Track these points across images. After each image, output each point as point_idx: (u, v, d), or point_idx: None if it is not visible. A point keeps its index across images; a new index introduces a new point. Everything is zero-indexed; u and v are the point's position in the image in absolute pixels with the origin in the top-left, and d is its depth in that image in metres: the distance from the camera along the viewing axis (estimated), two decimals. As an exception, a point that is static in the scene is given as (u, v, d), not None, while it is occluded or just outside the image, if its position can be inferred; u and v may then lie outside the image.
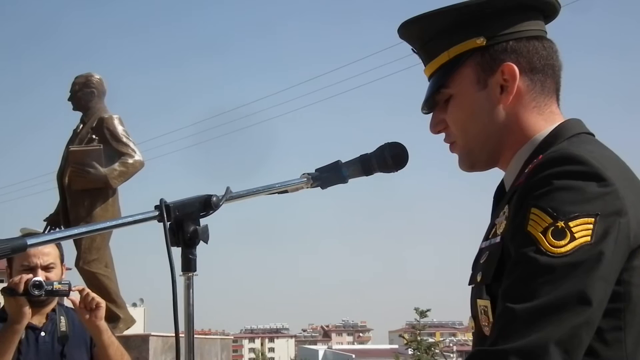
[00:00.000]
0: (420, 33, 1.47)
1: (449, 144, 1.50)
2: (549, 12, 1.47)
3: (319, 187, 1.62)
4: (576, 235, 1.17)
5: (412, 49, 1.52)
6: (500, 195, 1.45)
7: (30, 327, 2.88)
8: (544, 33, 1.45)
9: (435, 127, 1.49)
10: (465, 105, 1.43)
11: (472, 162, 1.48)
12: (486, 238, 1.40)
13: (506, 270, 1.22)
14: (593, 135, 1.40)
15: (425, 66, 1.50)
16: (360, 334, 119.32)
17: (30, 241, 1.27)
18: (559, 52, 1.45)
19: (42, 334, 2.92)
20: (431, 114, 1.50)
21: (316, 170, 1.62)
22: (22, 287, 2.72)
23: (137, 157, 6.29)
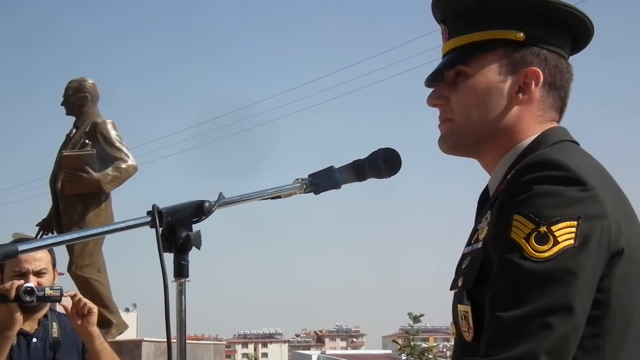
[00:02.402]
0: (464, 4, 1.43)
1: (439, 119, 1.47)
2: (581, 44, 1.48)
3: (312, 193, 1.62)
4: (559, 239, 1.17)
5: (438, 18, 1.49)
6: (485, 200, 1.45)
7: (22, 333, 2.87)
8: (567, 55, 1.46)
9: (435, 100, 1.46)
10: (479, 90, 1.41)
11: (456, 143, 1.45)
12: (468, 243, 1.39)
13: (491, 277, 1.22)
14: (577, 143, 1.41)
15: (448, 39, 1.46)
16: (354, 339, 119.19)
17: (21, 247, 1.26)
18: (574, 77, 1.47)
19: (34, 340, 2.91)
20: (432, 88, 1.48)
21: (309, 175, 1.62)
22: (13, 293, 2.71)
23: (131, 161, 6.28)
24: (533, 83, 1.40)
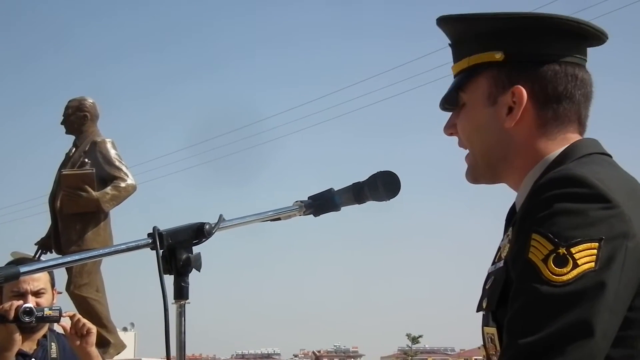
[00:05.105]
0: (451, 32, 1.45)
1: (465, 155, 1.46)
2: (587, 36, 1.38)
3: (312, 215, 1.63)
4: (579, 262, 1.12)
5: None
6: (511, 218, 1.41)
7: (21, 354, 2.85)
8: (576, 59, 1.37)
9: (448, 130, 1.46)
10: (472, 117, 1.40)
11: (475, 176, 1.44)
12: (493, 262, 1.37)
13: (509, 299, 1.19)
14: (609, 155, 1.34)
15: (453, 63, 1.46)
16: None
17: (23, 269, 1.27)
18: (588, 80, 1.38)
19: (33, 360, 2.90)
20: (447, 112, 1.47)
21: (309, 197, 1.63)
22: (12, 313, 2.70)
23: (130, 180, 6.28)
24: (519, 102, 1.34)
